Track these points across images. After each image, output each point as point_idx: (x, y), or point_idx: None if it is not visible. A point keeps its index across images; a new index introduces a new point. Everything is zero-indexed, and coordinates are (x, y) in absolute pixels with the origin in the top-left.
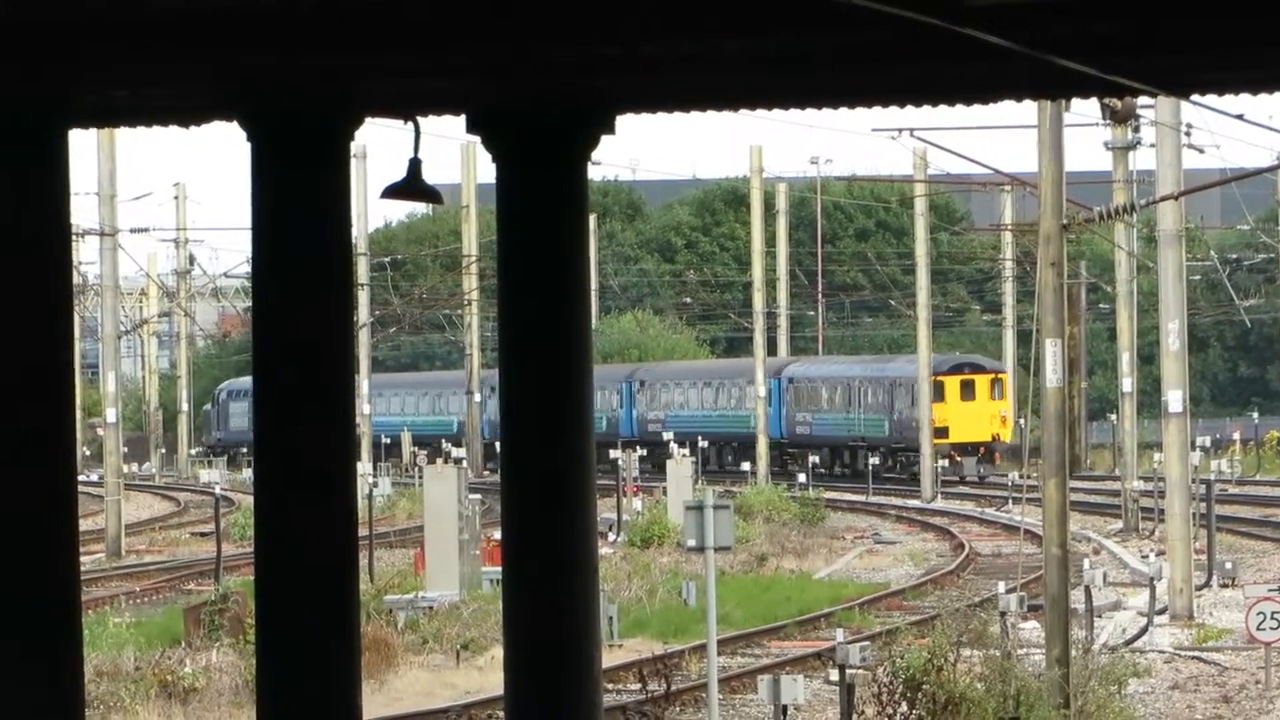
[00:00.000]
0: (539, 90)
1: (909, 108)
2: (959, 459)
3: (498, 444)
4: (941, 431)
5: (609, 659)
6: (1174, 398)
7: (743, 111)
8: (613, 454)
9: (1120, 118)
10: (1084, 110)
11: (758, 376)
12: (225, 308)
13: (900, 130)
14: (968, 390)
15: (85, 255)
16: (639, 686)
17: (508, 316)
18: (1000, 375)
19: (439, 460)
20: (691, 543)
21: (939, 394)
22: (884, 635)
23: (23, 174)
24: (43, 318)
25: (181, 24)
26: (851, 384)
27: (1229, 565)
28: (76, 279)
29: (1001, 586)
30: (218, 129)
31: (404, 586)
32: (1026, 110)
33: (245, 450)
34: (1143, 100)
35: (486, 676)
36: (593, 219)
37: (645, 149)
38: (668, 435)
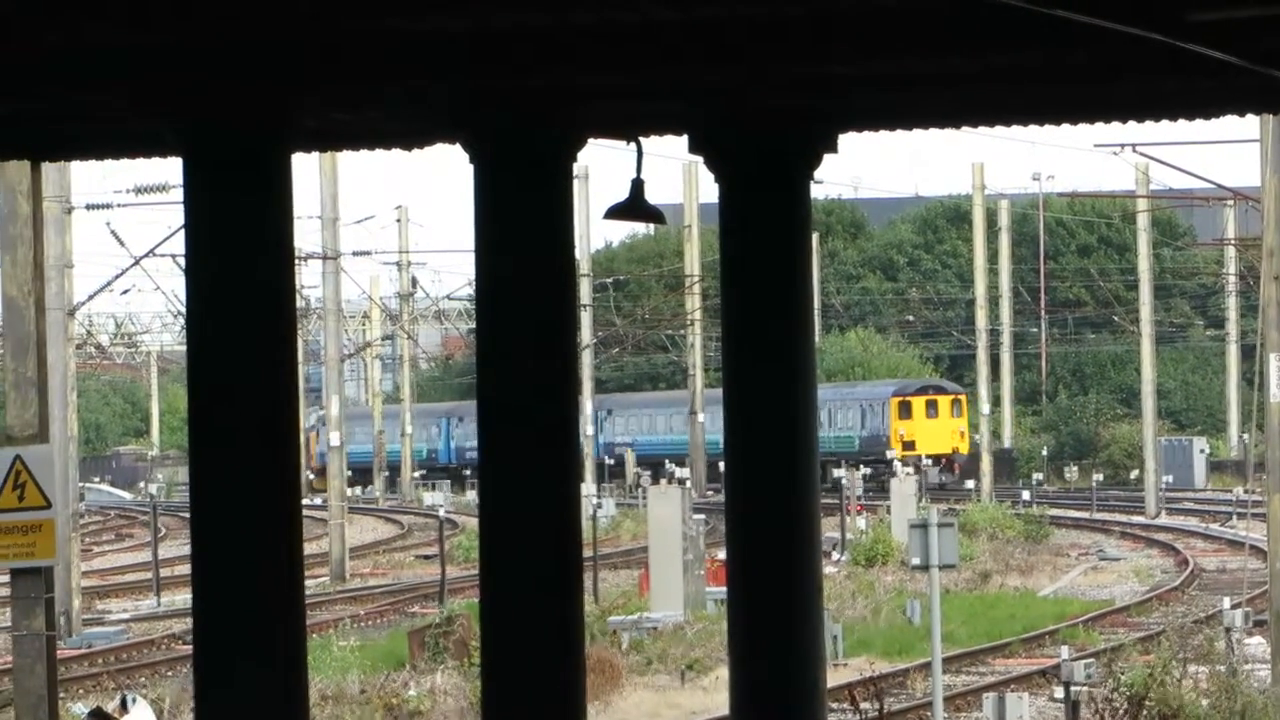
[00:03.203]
0: (763, 110)
1: (1131, 123)
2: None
3: (722, 464)
4: (909, 445)
5: (833, 678)
6: None
7: (965, 128)
8: (836, 473)
9: None
10: None
11: (981, 394)
12: (448, 330)
13: (1122, 146)
14: (932, 409)
15: (308, 279)
16: (857, 705)
17: (732, 336)
18: (960, 396)
19: (663, 480)
20: (916, 561)
21: (906, 412)
22: (1109, 652)
23: (246, 198)
24: (268, 341)
25: (406, 47)
26: (822, 405)
27: None
28: (299, 303)
29: (1227, 602)
30: (439, 151)
31: (628, 607)
32: (1249, 124)
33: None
34: None
35: (711, 697)
36: (815, 237)
37: (867, 167)
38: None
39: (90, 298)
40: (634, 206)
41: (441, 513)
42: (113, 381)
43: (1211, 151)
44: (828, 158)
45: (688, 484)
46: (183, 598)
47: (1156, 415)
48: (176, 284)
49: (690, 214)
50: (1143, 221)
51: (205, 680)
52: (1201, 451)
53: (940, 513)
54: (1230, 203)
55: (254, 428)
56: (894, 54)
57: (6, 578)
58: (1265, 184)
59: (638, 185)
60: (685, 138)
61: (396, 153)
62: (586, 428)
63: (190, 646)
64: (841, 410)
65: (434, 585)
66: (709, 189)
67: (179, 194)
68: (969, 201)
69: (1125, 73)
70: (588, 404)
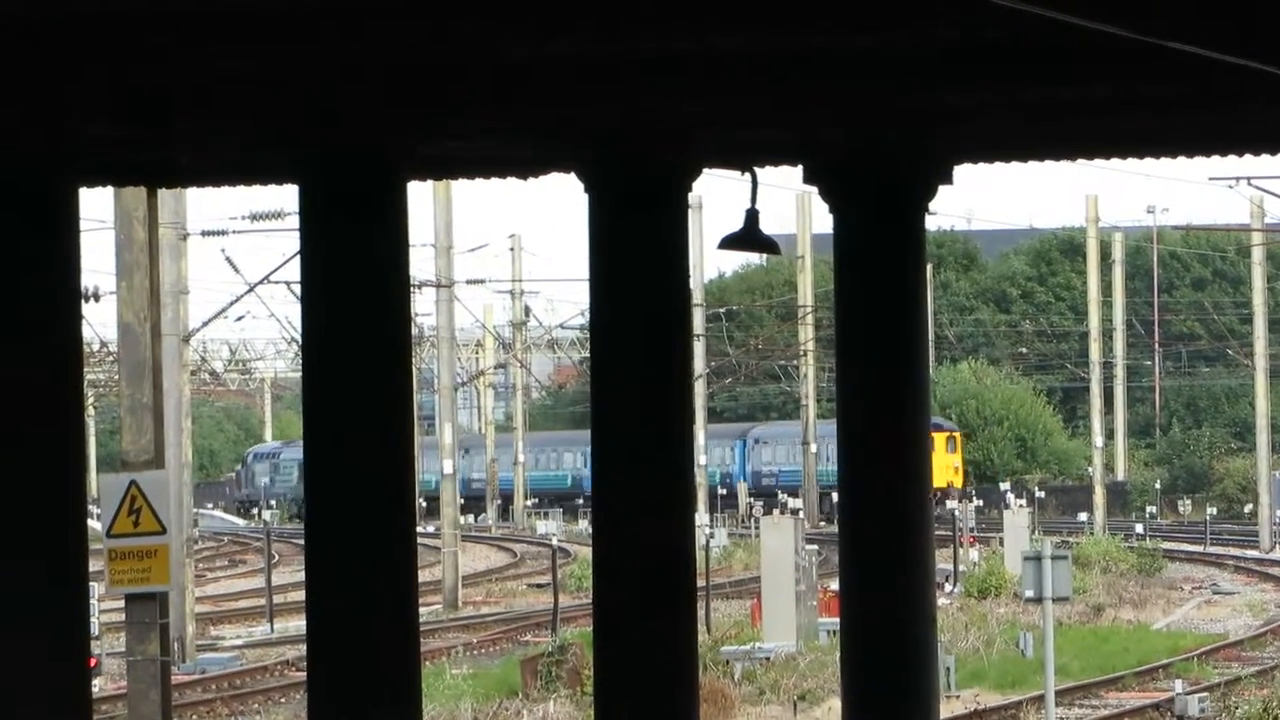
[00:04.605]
0: (878, 141)
1: (1246, 156)
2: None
3: (835, 494)
4: None
5: (946, 710)
6: None
7: (1079, 160)
8: (949, 504)
9: None
10: None
11: (1094, 426)
12: (561, 359)
13: (1237, 179)
14: None
15: (421, 307)
16: None
17: (846, 367)
18: (954, 434)
19: (775, 511)
20: (1029, 593)
21: None
22: (1223, 686)
23: (362, 226)
24: (382, 369)
25: (522, 76)
26: (820, 440)
27: None
28: (413, 330)
29: None
30: (553, 179)
31: (741, 637)
32: None
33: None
34: None
35: None
36: (928, 269)
37: (981, 198)
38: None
39: (205, 324)
40: (749, 237)
41: (554, 541)
42: (226, 408)
43: None
44: (942, 189)
45: (800, 514)
46: (296, 624)
47: (1270, 449)
48: (290, 311)
49: (803, 244)
50: (1257, 255)
51: (319, 707)
52: None
53: (1054, 545)
54: None
55: (369, 455)
56: (1007, 86)
57: (122, 603)
58: None
59: (752, 215)
60: (799, 168)
61: (510, 181)
62: (700, 457)
63: (304, 673)
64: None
65: (546, 614)
66: (822, 219)
67: (294, 221)
68: (1083, 234)
69: (1240, 105)
70: (700, 434)
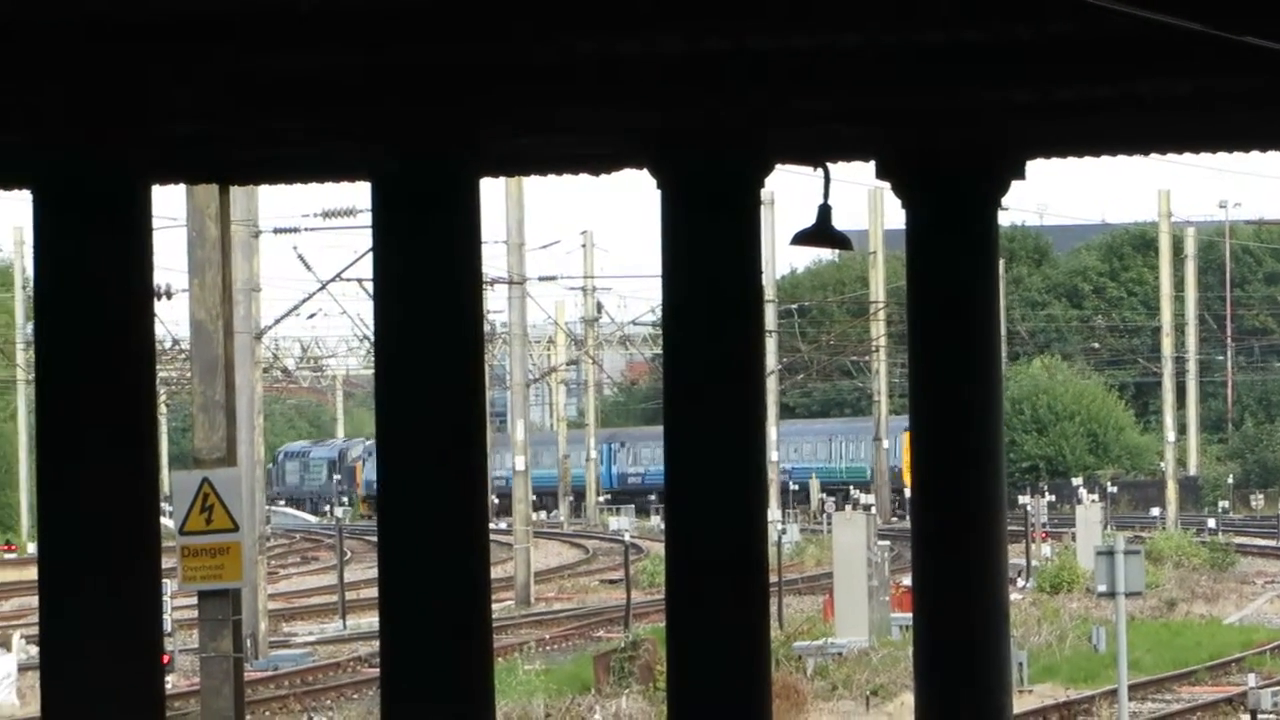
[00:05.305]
0: (950, 136)
1: None
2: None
3: (906, 491)
4: None
5: (1019, 705)
6: None
7: (1152, 155)
8: (1022, 500)
9: None
10: None
11: (1166, 421)
12: (633, 355)
13: None
14: None
15: (493, 304)
16: None
17: (918, 363)
18: None
19: (847, 507)
20: (1102, 588)
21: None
22: None
23: (435, 223)
24: (455, 366)
25: (594, 73)
26: (834, 438)
27: None
28: (485, 327)
29: None
30: (624, 174)
31: (813, 633)
32: None
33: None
34: None
35: None
36: (1000, 264)
37: (1053, 193)
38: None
39: (277, 321)
40: (821, 232)
41: (626, 537)
42: (298, 405)
43: None
44: (1014, 184)
45: (873, 510)
46: (368, 621)
47: None
48: (362, 308)
49: (875, 240)
50: None
51: (391, 703)
52: None
53: (1126, 540)
54: None
55: (441, 452)
56: (1078, 81)
57: (195, 600)
58: None
59: (825, 211)
60: (872, 163)
61: (582, 177)
62: (772, 453)
63: (376, 669)
64: (853, 442)
65: (619, 610)
66: (894, 215)
67: (366, 218)
68: (1155, 229)
69: None
70: (772, 430)
